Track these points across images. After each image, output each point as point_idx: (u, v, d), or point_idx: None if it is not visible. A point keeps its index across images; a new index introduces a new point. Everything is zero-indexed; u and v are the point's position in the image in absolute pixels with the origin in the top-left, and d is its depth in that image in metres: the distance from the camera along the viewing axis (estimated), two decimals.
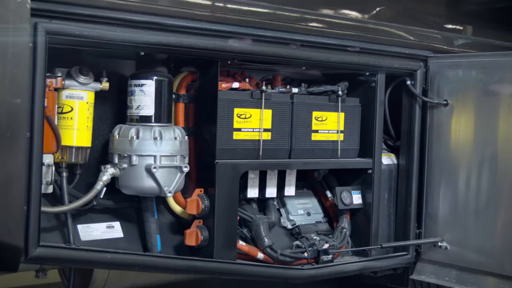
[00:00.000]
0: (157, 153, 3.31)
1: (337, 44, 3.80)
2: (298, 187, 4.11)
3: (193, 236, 3.49)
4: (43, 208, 3.01)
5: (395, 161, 4.27)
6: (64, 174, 3.27)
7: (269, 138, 3.72)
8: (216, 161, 3.48)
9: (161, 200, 3.58)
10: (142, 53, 3.28)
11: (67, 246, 3.11)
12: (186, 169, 3.38)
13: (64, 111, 3.24)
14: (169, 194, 3.34)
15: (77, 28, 2.95)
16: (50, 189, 3.11)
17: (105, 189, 3.34)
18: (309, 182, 4.22)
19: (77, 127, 3.27)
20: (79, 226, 3.37)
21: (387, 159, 4.24)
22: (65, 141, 3.23)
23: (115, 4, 3.06)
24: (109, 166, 3.34)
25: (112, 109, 3.55)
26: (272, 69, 3.96)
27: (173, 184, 3.35)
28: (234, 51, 3.43)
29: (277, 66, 3.89)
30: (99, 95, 3.41)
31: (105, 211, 3.49)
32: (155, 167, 3.28)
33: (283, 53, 3.61)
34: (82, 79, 3.27)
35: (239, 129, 3.60)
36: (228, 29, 3.39)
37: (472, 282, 3.99)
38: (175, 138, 3.36)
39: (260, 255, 3.70)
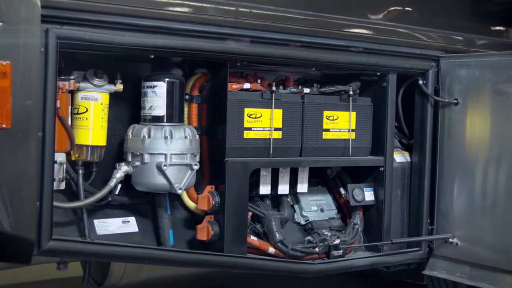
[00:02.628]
0: (168, 152, 3.46)
1: (344, 45, 3.88)
2: (313, 184, 4.24)
3: (204, 231, 3.63)
4: (58, 204, 3.20)
5: (409, 159, 4.35)
6: (80, 171, 3.43)
7: (280, 136, 3.83)
8: (226, 159, 3.61)
9: (176, 196, 3.71)
10: (152, 56, 3.42)
11: (77, 240, 3.27)
12: (196, 167, 3.52)
13: (79, 111, 3.41)
14: (179, 191, 3.48)
15: (87, 33, 3.10)
16: (62, 186, 3.28)
17: (120, 185, 3.51)
18: (324, 179, 4.33)
19: (92, 127, 3.42)
20: (96, 221, 3.53)
21: (401, 157, 4.33)
22: (81, 140, 3.41)
23: (124, 10, 3.20)
24: (123, 164, 3.51)
25: (129, 110, 3.70)
26: (284, 70, 4.08)
27: (184, 181, 3.50)
28: (242, 53, 3.55)
29: (287, 67, 4.00)
30: (117, 96, 3.58)
31: (122, 207, 3.65)
32: (165, 165, 3.43)
33: (291, 55, 3.72)
34: (96, 81, 3.43)
35: (249, 128, 3.73)
36: (235, 32, 3.50)
37: (482, 278, 4.05)
38: (185, 137, 3.51)
39: (271, 250, 3.82)
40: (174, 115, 3.55)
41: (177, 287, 5.08)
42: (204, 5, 3.43)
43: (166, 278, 4.25)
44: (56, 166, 3.17)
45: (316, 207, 4.17)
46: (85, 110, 3.42)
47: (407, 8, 4.24)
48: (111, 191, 3.49)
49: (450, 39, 4.31)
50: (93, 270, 4.10)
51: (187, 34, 3.39)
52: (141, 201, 3.69)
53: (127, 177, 3.54)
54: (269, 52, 3.63)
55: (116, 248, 3.31)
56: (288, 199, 4.11)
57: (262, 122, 3.77)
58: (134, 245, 3.41)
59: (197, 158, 3.59)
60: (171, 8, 3.33)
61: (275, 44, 3.65)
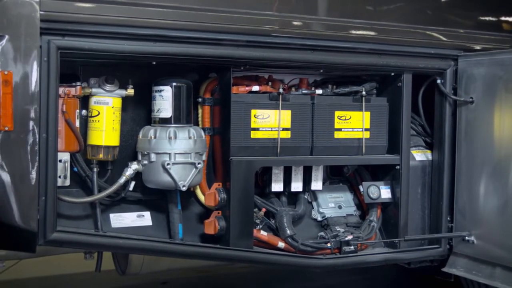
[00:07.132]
0: (172, 151, 3.69)
1: (349, 47, 3.97)
2: (334, 181, 4.39)
3: (211, 226, 3.85)
4: (67, 198, 3.53)
5: (430, 158, 4.40)
6: (95, 169, 3.73)
7: (289, 136, 4.00)
8: (230, 158, 3.82)
9: (191, 192, 3.97)
10: (154, 63, 3.67)
11: (79, 232, 3.55)
12: (200, 166, 3.74)
13: (93, 114, 3.72)
14: (183, 188, 3.70)
15: (86, 43, 3.38)
16: (67, 182, 3.60)
17: (134, 182, 3.79)
18: (346, 177, 4.46)
19: (104, 128, 3.72)
20: (111, 215, 3.81)
21: (422, 156, 4.39)
22: (94, 141, 3.73)
23: (122, 21, 3.45)
24: (134, 162, 3.78)
25: (145, 112, 3.94)
26: (298, 72, 4.22)
27: (188, 179, 3.71)
28: (243, 58, 3.73)
29: (295, 70, 4.15)
30: (134, 100, 3.87)
31: (138, 202, 3.91)
32: (168, 163, 3.68)
33: (295, 58, 3.85)
34: (108, 87, 3.72)
35: (256, 129, 3.92)
36: (234, 37, 3.68)
37: (497, 277, 4.04)
38: (190, 138, 3.73)
39: (281, 244, 3.99)
40: (181, 116, 3.78)
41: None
42: (203, 13, 3.62)
43: (187, 269, 4.48)
44: (60, 164, 3.49)
45: (333, 204, 4.31)
46: (97, 113, 3.71)
47: (422, 7, 4.27)
48: (124, 188, 3.78)
49: (468, 38, 4.31)
50: (120, 259, 4.42)
51: (186, 41, 3.59)
52: (156, 197, 3.93)
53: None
54: (270, 56, 3.79)
55: (118, 240, 3.58)
56: (305, 196, 4.27)
57: (270, 123, 3.95)
58: (136, 237, 3.65)
59: (203, 157, 3.81)
60: (168, 18, 3.54)
61: (276, 48, 3.80)
